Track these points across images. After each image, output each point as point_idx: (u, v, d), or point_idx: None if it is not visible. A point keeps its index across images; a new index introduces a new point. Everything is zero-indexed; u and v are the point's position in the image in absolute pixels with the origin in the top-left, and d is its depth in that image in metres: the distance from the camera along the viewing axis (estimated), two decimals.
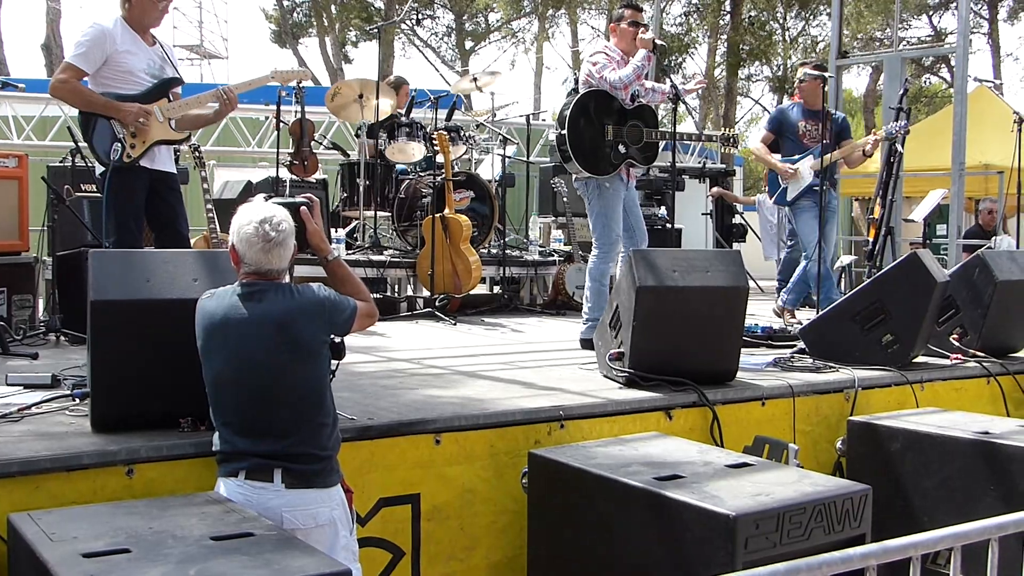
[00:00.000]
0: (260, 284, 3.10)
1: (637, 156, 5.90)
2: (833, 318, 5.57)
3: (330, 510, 3.03)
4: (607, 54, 5.91)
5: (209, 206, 6.87)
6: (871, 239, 7.98)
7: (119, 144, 4.85)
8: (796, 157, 7.30)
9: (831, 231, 7.24)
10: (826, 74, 7.31)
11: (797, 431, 4.70)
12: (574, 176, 6.03)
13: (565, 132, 5.77)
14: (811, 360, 5.31)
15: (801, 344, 5.60)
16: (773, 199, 7.55)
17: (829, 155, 7.07)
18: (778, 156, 7.42)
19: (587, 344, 5.56)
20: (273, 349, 3.02)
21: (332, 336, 3.19)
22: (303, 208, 3.40)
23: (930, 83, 32.26)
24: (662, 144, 6.15)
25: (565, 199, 9.04)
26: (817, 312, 6.35)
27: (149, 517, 2.73)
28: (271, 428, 3.01)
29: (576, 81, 6.14)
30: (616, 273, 5.73)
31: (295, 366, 3.05)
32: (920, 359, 5.55)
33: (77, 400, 3.79)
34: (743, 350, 4.92)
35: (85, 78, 4.86)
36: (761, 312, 7.44)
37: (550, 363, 5.36)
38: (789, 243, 8.30)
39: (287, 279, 3.23)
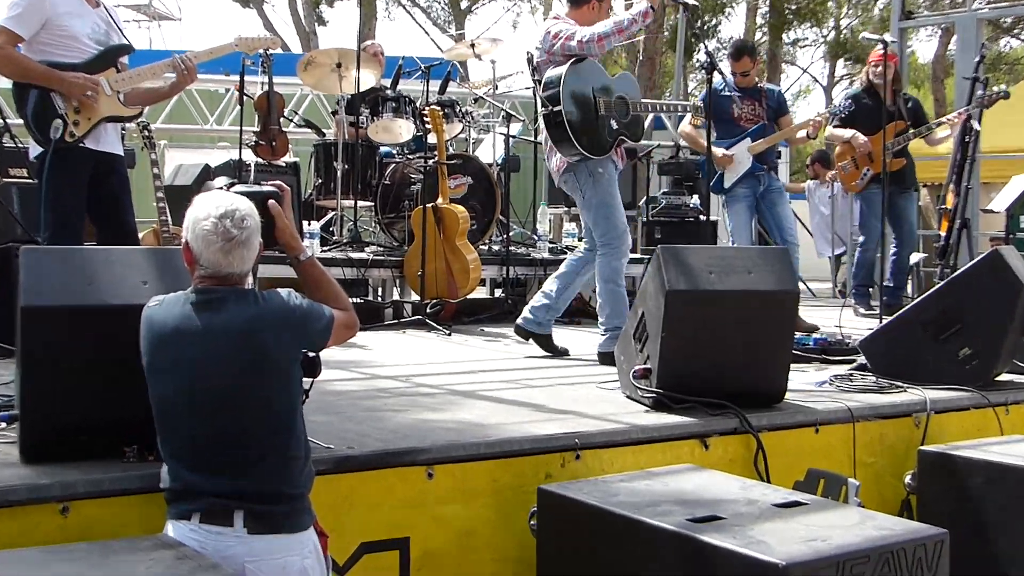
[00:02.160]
0: (218, 290, 3.08)
1: (627, 132, 5.91)
2: (899, 328, 5.55)
3: (301, 559, 3.00)
4: (566, 23, 5.92)
5: (160, 194, 6.91)
6: (943, 233, 8.00)
7: (60, 120, 4.85)
8: (731, 140, 7.47)
9: (784, 212, 7.52)
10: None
11: (857, 463, 4.68)
12: (554, 167, 6.04)
13: (561, 108, 5.74)
14: (874, 378, 5.29)
15: (862, 359, 5.59)
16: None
17: (764, 139, 7.44)
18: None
19: (606, 359, 5.58)
20: (234, 367, 3.00)
21: (305, 351, 3.18)
22: (271, 199, 3.39)
23: (1010, 48, 32.27)
24: (649, 117, 6.19)
25: None
26: (880, 320, 6.33)
27: (88, 564, 2.71)
28: (231, 462, 2.99)
29: (533, 60, 6.13)
30: (643, 274, 5.74)
31: (260, 387, 3.03)
32: (1004, 377, 5.53)
33: (3, 424, 3.77)
34: (793, 366, 4.90)
35: (20, 44, 4.86)
36: (815, 320, 7.41)
37: (563, 381, 5.36)
38: (860, 240, 8.32)
39: (250, 283, 3.21)
